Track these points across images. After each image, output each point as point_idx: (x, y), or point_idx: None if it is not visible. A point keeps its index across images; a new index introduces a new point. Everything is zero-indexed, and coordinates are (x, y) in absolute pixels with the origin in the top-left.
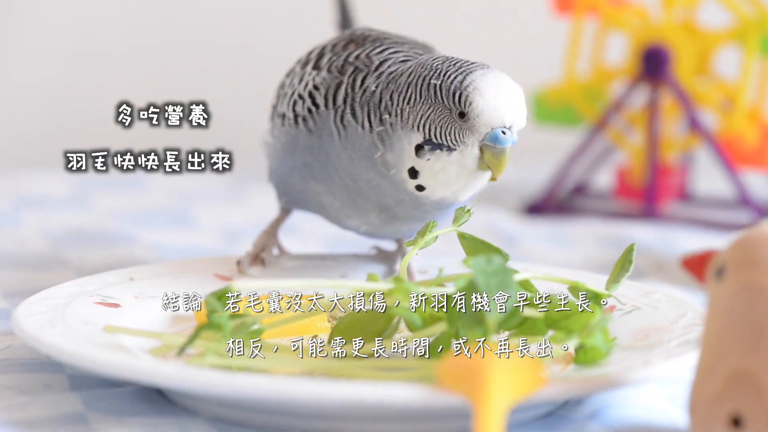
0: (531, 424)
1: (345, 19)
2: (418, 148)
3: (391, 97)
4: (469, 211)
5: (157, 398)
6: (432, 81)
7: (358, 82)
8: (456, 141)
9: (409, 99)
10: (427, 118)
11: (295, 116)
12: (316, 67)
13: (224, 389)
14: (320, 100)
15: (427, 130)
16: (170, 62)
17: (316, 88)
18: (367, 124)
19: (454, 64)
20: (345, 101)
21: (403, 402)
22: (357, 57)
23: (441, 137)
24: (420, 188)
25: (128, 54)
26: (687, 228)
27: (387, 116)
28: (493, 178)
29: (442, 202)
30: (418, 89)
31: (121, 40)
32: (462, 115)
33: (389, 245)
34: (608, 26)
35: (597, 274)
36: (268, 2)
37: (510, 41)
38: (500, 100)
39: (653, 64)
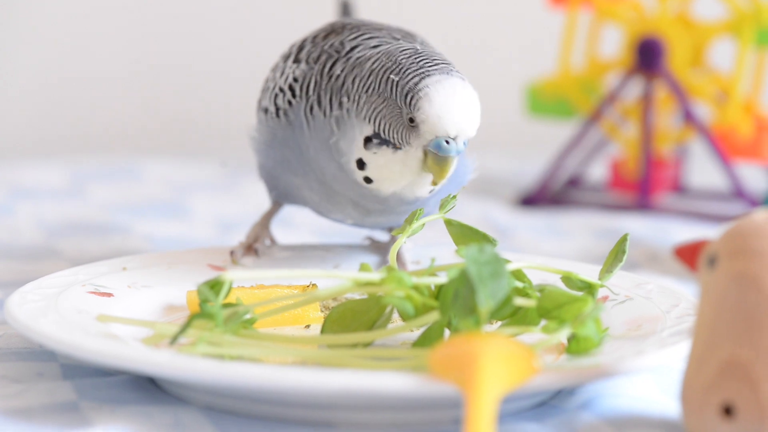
0: (523, 413)
1: (347, 12)
2: (367, 140)
3: (353, 81)
4: (454, 197)
5: (150, 387)
6: (391, 76)
7: (327, 68)
8: (402, 141)
9: (368, 88)
10: (380, 112)
11: (277, 110)
12: (297, 60)
13: (216, 378)
14: (297, 91)
15: (377, 124)
16: (165, 54)
17: (295, 80)
18: (328, 109)
19: (417, 62)
20: (314, 90)
21: (395, 391)
22: (331, 45)
23: (389, 134)
24: (368, 180)
25: (124, 43)
26: (681, 220)
27: (345, 100)
28: (434, 183)
29: (402, 198)
30: (378, 80)
31: (117, 29)
32: (411, 118)
33: (382, 236)
34: (603, 18)
35: (591, 264)
36: None
37: (505, 34)
38: (447, 111)
39: (648, 57)
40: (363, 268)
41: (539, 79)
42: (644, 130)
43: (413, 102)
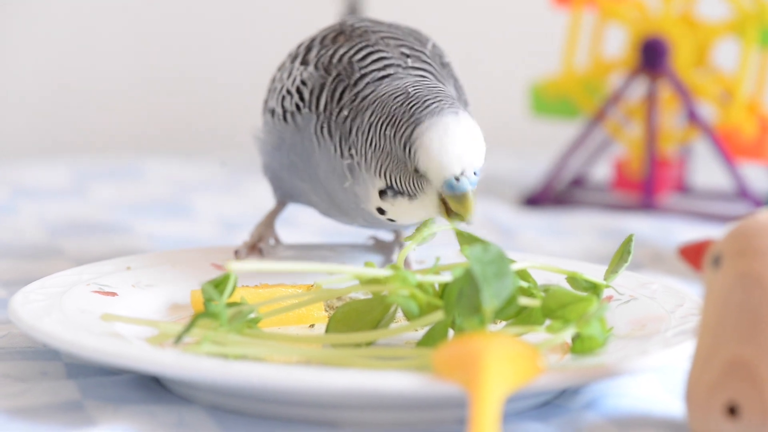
0: (527, 413)
1: (353, 9)
2: (382, 193)
3: (357, 133)
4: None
5: (154, 386)
6: (386, 132)
7: (337, 95)
8: (415, 190)
9: (371, 143)
10: (387, 167)
11: (284, 112)
12: (304, 61)
13: (221, 377)
14: (306, 96)
15: (387, 178)
16: (168, 54)
17: (303, 83)
18: (338, 149)
19: (409, 109)
20: (325, 110)
21: (399, 391)
22: (340, 59)
23: (401, 186)
24: (391, 220)
25: (127, 43)
26: (685, 220)
27: (354, 153)
28: (465, 221)
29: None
30: (378, 135)
31: (120, 30)
32: (416, 169)
33: (386, 236)
34: (607, 18)
35: (595, 264)
36: None
37: (509, 34)
38: (445, 153)
39: (652, 57)
40: (368, 266)
41: (543, 79)
42: (648, 130)
43: (412, 154)
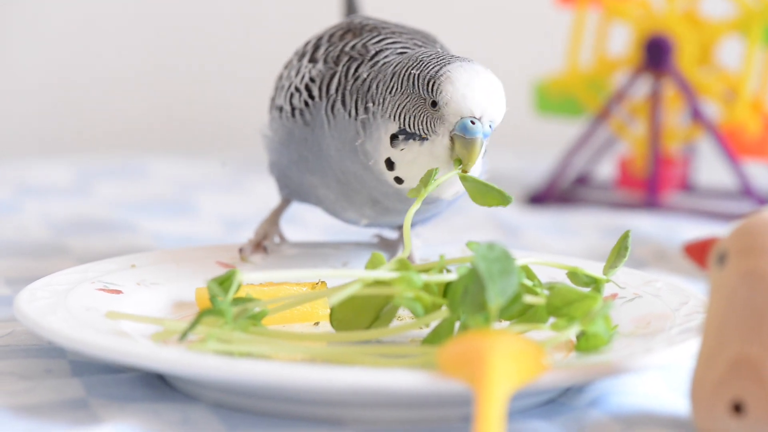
0: (532, 411)
1: (351, 8)
2: (393, 138)
3: (377, 86)
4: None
5: (159, 384)
6: (412, 71)
7: (352, 71)
8: (427, 130)
9: (391, 89)
10: (403, 107)
11: (292, 109)
12: (313, 59)
13: (226, 375)
14: (316, 92)
15: (402, 120)
16: (172, 52)
17: (312, 80)
18: (353, 111)
19: (438, 57)
20: (337, 90)
21: (404, 388)
22: (353, 47)
23: (414, 126)
24: (399, 180)
25: (130, 41)
26: (689, 218)
27: (371, 104)
28: (464, 170)
29: (428, 197)
30: (400, 79)
31: (124, 28)
32: (434, 104)
33: (391, 233)
34: (611, 16)
35: (598, 262)
36: None
37: (513, 32)
38: (470, 90)
39: (656, 55)
40: (374, 257)
41: (547, 77)
42: (652, 129)
43: (435, 87)
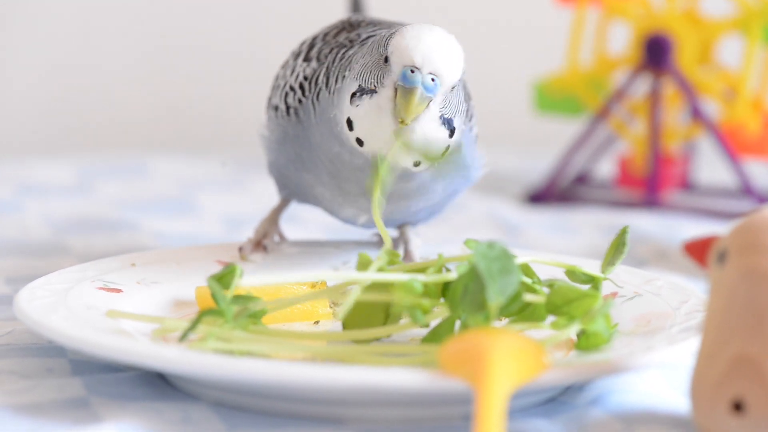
0: (533, 409)
1: (357, 9)
2: (352, 96)
3: (354, 57)
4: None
5: (159, 383)
6: (377, 39)
7: (339, 56)
8: (377, 83)
9: (363, 55)
10: (364, 66)
11: (287, 108)
12: (307, 58)
13: (226, 374)
14: (307, 89)
15: (361, 78)
16: (173, 51)
17: (305, 78)
18: (333, 86)
19: (409, 25)
20: (326, 77)
21: (405, 387)
22: (347, 38)
23: (368, 81)
24: (359, 142)
25: (132, 40)
26: (689, 217)
27: (347, 73)
28: (401, 122)
29: (397, 170)
30: (371, 46)
31: (126, 27)
32: (386, 57)
33: (391, 232)
34: (611, 15)
35: (597, 261)
36: None
37: (513, 30)
38: (415, 42)
39: (656, 53)
40: (361, 258)
41: (547, 76)
42: (652, 127)
43: (386, 41)
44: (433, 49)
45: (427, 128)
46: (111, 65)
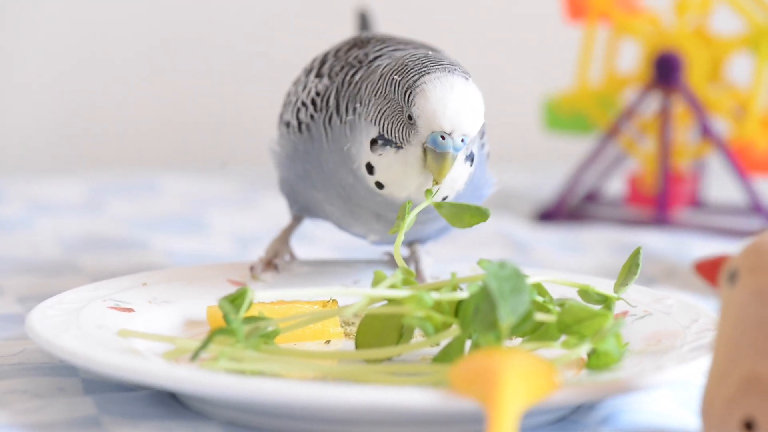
0: (544, 428)
1: (365, 26)
2: (373, 143)
3: (366, 87)
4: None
5: (171, 402)
6: (394, 77)
7: (348, 77)
8: (402, 139)
9: (377, 92)
10: (384, 112)
11: (299, 123)
12: (319, 74)
13: (237, 393)
14: (319, 105)
15: (381, 125)
16: (182, 69)
17: (317, 94)
18: (345, 115)
19: (422, 63)
20: (336, 100)
21: (416, 406)
22: (355, 57)
23: (391, 133)
24: (379, 185)
25: (141, 60)
26: (699, 235)
27: (358, 105)
28: (434, 182)
29: (417, 204)
30: (384, 83)
31: (134, 47)
32: (410, 116)
33: (401, 251)
34: (620, 33)
35: (608, 279)
36: (282, 9)
37: (522, 48)
38: (442, 106)
39: (665, 71)
40: (377, 275)
41: (557, 93)
42: (662, 145)
43: (410, 99)
44: (461, 112)
45: (455, 172)
46: (122, 83)
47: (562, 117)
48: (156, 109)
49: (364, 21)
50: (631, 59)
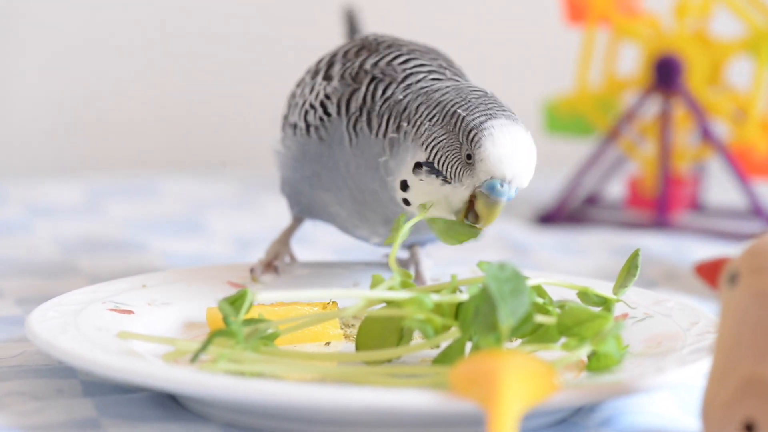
0: (544, 430)
1: (353, 30)
2: (417, 166)
3: (417, 108)
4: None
5: (170, 404)
6: (458, 110)
7: (380, 92)
8: (454, 176)
9: (432, 117)
10: (439, 142)
11: (307, 126)
12: (327, 76)
13: (237, 395)
14: (332, 109)
15: (432, 153)
16: (181, 71)
17: (327, 97)
18: (383, 130)
19: (486, 103)
20: (361, 109)
21: (416, 408)
22: (375, 65)
23: (442, 166)
24: (406, 202)
25: (141, 60)
26: (699, 238)
27: (405, 124)
28: (481, 227)
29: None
30: (444, 112)
31: (134, 49)
32: (469, 155)
33: (401, 253)
34: (620, 36)
35: (608, 282)
36: (280, 13)
37: (522, 51)
38: (508, 154)
39: (665, 75)
40: (375, 280)
41: (557, 96)
42: (662, 148)
43: (475, 139)
44: (523, 164)
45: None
46: (121, 85)
47: (562, 120)
48: (155, 111)
49: (351, 21)
50: (631, 62)
